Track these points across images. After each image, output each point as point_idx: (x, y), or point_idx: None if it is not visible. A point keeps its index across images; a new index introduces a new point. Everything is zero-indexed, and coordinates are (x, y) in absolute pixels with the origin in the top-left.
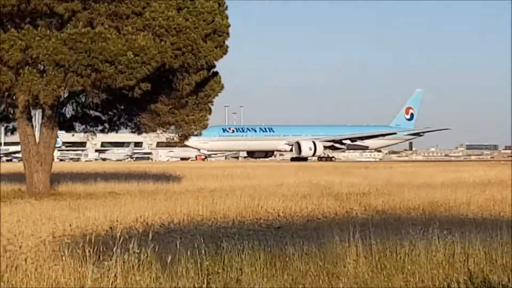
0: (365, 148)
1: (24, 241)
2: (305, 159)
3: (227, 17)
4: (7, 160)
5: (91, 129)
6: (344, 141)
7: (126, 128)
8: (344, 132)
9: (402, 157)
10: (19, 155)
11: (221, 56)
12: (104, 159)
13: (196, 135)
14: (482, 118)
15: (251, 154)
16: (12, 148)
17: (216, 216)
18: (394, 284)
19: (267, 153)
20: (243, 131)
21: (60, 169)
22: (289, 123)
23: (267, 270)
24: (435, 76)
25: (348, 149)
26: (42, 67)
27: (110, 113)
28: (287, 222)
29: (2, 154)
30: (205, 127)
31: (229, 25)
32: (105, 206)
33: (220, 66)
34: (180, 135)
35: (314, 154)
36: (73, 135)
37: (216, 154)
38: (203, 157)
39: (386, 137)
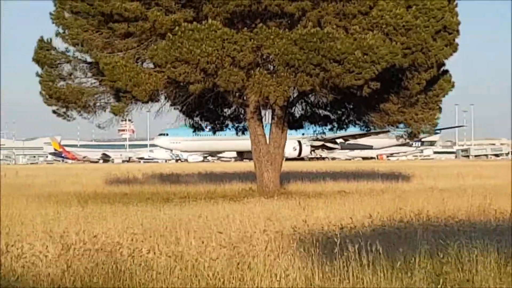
0: (369, 147)
1: (253, 239)
2: (301, 158)
3: (457, 14)
4: None
5: (320, 128)
6: (337, 140)
7: (354, 126)
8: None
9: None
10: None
11: (451, 54)
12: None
13: (428, 132)
14: None
15: (241, 154)
16: None
17: (445, 215)
18: None
19: None
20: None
21: (290, 169)
22: None
23: (500, 271)
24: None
25: (346, 149)
26: (272, 68)
27: (338, 112)
28: None
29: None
30: (435, 126)
31: (459, 23)
32: (333, 204)
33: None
34: (408, 133)
35: (299, 155)
36: None
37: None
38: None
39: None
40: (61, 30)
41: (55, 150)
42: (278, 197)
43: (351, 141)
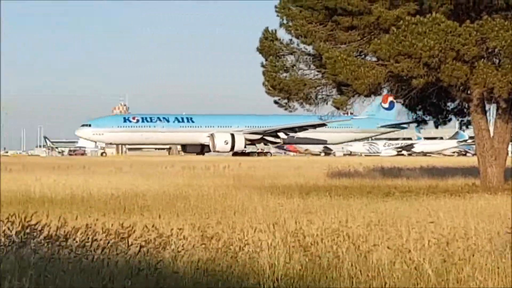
0: (322, 142)
1: (475, 236)
2: (246, 153)
3: None
4: None
5: None
6: (279, 134)
7: None
8: (280, 122)
9: None
10: None
11: None
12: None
13: None
14: None
15: (184, 148)
16: None
17: None
18: None
19: (203, 147)
20: (151, 121)
21: None
22: None
23: None
24: None
25: (294, 143)
26: (498, 61)
27: None
28: None
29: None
30: None
31: None
32: None
33: None
34: None
35: (232, 149)
36: None
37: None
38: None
39: (351, 130)
40: (285, 21)
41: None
42: (502, 193)
43: (301, 135)
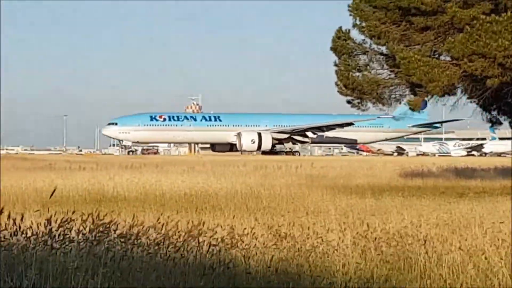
0: (353, 141)
1: None
2: (275, 152)
3: None
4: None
5: None
6: (307, 133)
7: None
8: (309, 122)
9: None
10: None
11: None
12: None
13: None
14: None
15: (213, 147)
16: None
17: None
18: None
19: (232, 146)
20: (178, 119)
21: None
22: None
23: None
24: None
25: (323, 142)
26: None
27: None
28: None
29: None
30: None
31: None
32: None
33: None
34: None
35: (259, 148)
36: None
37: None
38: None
39: (382, 129)
40: (358, 22)
41: None
42: None
43: (330, 135)
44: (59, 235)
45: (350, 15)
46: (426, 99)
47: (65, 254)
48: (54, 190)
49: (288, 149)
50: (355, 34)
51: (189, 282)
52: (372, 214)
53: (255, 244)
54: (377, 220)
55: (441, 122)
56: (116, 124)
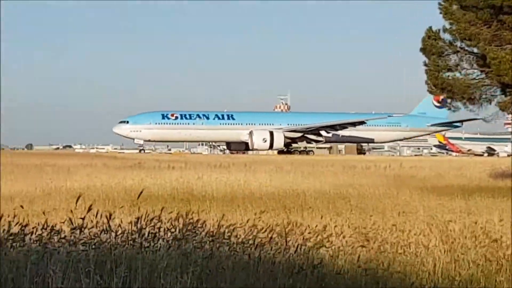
0: (369, 141)
1: None
2: (288, 151)
3: None
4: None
5: None
6: (321, 132)
7: None
8: (323, 120)
9: None
10: None
11: None
12: None
13: None
14: None
15: (229, 146)
16: None
17: None
18: None
19: (247, 145)
20: (190, 118)
21: None
22: None
23: None
24: None
25: (341, 142)
26: None
27: None
28: None
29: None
30: None
31: None
32: None
33: None
34: None
35: (271, 147)
36: None
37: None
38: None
39: (400, 128)
40: (448, 26)
41: (440, 142)
42: None
43: (347, 133)
44: (148, 233)
45: (440, 12)
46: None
47: (154, 252)
48: (142, 191)
49: (302, 148)
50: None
51: (277, 281)
52: (461, 215)
53: (343, 244)
54: (466, 221)
55: (462, 121)
56: (128, 122)
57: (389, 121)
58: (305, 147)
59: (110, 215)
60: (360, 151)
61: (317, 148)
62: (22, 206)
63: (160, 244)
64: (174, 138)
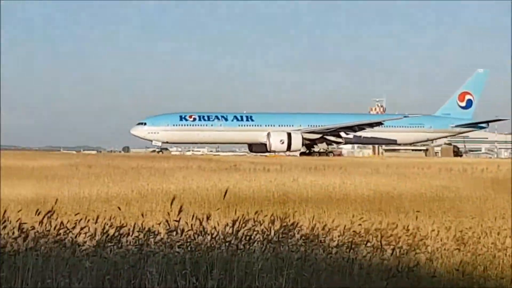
0: (392, 142)
1: None
2: (309, 153)
3: None
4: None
5: None
6: (341, 133)
7: None
8: (343, 121)
9: None
10: None
11: None
12: None
13: None
14: None
15: (250, 147)
16: None
17: None
18: None
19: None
20: (208, 119)
21: None
22: None
23: None
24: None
25: (362, 143)
26: None
27: None
28: None
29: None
30: None
31: None
32: None
33: None
34: None
35: (289, 148)
36: None
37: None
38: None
39: (423, 129)
40: None
41: None
42: None
43: (368, 135)
44: (243, 236)
45: None
46: (471, 98)
47: (249, 254)
48: (226, 191)
49: (322, 150)
50: None
51: (372, 284)
52: None
53: (439, 247)
54: None
55: (487, 122)
56: (145, 124)
57: (412, 122)
58: (325, 149)
59: (208, 217)
60: (457, 153)
61: (412, 150)
62: (119, 208)
63: (255, 246)
64: (192, 140)
